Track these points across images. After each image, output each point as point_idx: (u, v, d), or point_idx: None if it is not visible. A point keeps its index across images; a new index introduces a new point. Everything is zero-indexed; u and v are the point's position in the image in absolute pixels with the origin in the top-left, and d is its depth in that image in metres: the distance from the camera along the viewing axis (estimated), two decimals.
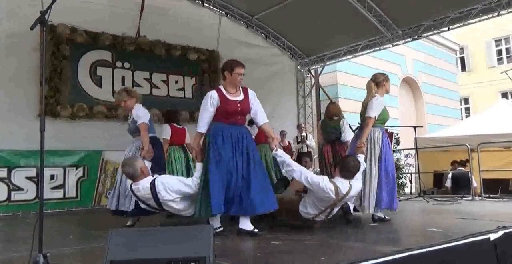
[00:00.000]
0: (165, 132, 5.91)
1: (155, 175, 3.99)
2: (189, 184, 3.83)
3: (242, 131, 3.84)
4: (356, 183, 3.98)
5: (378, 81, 4.48)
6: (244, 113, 3.87)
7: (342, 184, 3.83)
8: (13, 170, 6.35)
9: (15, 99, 6.50)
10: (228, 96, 3.78)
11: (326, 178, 3.86)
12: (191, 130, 8.10)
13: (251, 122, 7.49)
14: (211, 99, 3.72)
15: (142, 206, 4.06)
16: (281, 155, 3.89)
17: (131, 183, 3.97)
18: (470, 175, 7.88)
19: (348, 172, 3.90)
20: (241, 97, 3.85)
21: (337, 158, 5.40)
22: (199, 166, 3.85)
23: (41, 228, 2.43)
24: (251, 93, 3.95)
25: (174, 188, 3.80)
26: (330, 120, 5.67)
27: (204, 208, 3.61)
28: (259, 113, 3.95)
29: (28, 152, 6.37)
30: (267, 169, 6.89)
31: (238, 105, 3.79)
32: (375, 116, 4.33)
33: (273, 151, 3.88)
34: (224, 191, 3.60)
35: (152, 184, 3.82)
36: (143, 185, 3.86)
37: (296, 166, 3.90)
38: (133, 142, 4.64)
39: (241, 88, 3.92)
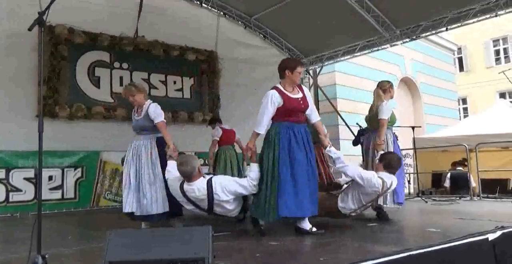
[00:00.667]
0: None
1: (206, 176, 3.91)
2: (245, 185, 3.77)
3: (306, 129, 3.87)
4: (395, 178, 4.21)
5: (385, 89, 4.96)
6: (305, 110, 3.89)
7: (388, 178, 4.08)
8: (11, 171, 6.34)
9: (14, 100, 6.49)
10: (289, 94, 3.78)
11: (375, 173, 4.09)
12: (190, 131, 8.24)
13: (212, 121, 7.41)
14: (273, 98, 3.69)
15: (189, 208, 3.94)
16: (335, 152, 4.00)
17: (182, 183, 3.82)
18: (468, 175, 7.90)
19: (392, 168, 4.24)
20: (300, 94, 3.86)
21: (316, 162, 5.56)
22: (254, 167, 3.78)
23: (40, 229, 2.42)
24: (306, 90, 3.98)
25: (230, 188, 3.76)
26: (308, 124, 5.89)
27: (273, 211, 3.57)
28: (313, 110, 4.01)
29: (26, 153, 6.35)
30: (232, 171, 6.88)
31: (301, 102, 3.81)
32: (388, 118, 4.80)
33: (327, 148, 3.96)
34: (300, 192, 3.57)
35: (209, 185, 3.74)
36: (199, 186, 3.75)
37: (349, 162, 4.05)
38: (137, 140, 4.42)
39: (296, 86, 3.93)
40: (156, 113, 4.33)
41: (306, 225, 3.71)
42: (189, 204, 3.89)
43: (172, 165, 4.08)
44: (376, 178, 3.96)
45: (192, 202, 3.84)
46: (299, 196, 3.56)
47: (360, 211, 4.22)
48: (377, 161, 4.43)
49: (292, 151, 3.62)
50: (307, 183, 3.64)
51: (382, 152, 4.62)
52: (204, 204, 3.80)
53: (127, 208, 4.28)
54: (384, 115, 4.76)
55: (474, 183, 7.80)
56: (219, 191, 3.71)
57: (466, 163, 8.43)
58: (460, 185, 8.46)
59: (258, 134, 3.76)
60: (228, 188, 3.74)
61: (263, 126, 3.70)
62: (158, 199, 4.23)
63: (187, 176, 3.78)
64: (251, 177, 3.76)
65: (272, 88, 3.82)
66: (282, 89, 3.79)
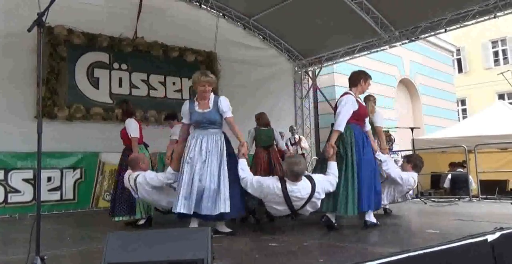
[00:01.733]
0: (134, 129, 4.85)
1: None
2: (333, 183, 3.88)
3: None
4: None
5: (375, 101, 5.58)
6: (366, 117, 4.34)
7: (416, 177, 4.82)
8: (10, 172, 6.33)
9: (12, 101, 6.48)
10: (360, 101, 4.24)
11: (408, 173, 4.74)
12: None
13: (168, 118, 6.97)
14: (353, 103, 4.08)
15: (280, 208, 3.74)
16: (383, 156, 4.55)
17: (284, 183, 3.69)
18: (468, 176, 7.90)
19: (419, 168, 4.95)
20: (363, 103, 4.35)
21: (272, 164, 6.06)
22: (335, 164, 3.92)
23: (39, 230, 2.42)
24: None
25: (325, 187, 3.85)
26: (263, 128, 6.30)
27: (352, 205, 3.86)
28: None
29: (25, 154, 6.35)
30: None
31: (366, 110, 4.33)
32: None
33: (376, 153, 4.38)
34: (372, 189, 3.98)
35: (313, 184, 3.74)
36: (304, 185, 3.70)
37: (392, 165, 4.64)
38: (204, 135, 3.94)
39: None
40: (228, 107, 4.03)
41: (371, 217, 4.03)
42: (283, 204, 3.75)
43: (244, 163, 3.90)
44: (411, 178, 4.65)
45: (288, 201, 3.72)
46: (371, 193, 3.96)
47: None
48: (404, 162, 5.07)
49: (363, 151, 4.01)
50: (374, 180, 4.01)
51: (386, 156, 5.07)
52: (299, 203, 3.75)
53: (182, 209, 3.73)
54: (381, 123, 5.47)
55: (474, 184, 7.79)
56: (320, 189, 3.78)
57: (465, 165, 8.42)
58: (459, 186, 8.46)
59: (339, 133, 3.99)
60: (324, 187, 3.83)
61: (343, 126, 4.00)
62: (221, 199, 3.74)
63: (299, 175, 3.71)
64: (335, 175, 3.91)
65: (346, 93, 4.17)
66: (355, 96, 4.16)
